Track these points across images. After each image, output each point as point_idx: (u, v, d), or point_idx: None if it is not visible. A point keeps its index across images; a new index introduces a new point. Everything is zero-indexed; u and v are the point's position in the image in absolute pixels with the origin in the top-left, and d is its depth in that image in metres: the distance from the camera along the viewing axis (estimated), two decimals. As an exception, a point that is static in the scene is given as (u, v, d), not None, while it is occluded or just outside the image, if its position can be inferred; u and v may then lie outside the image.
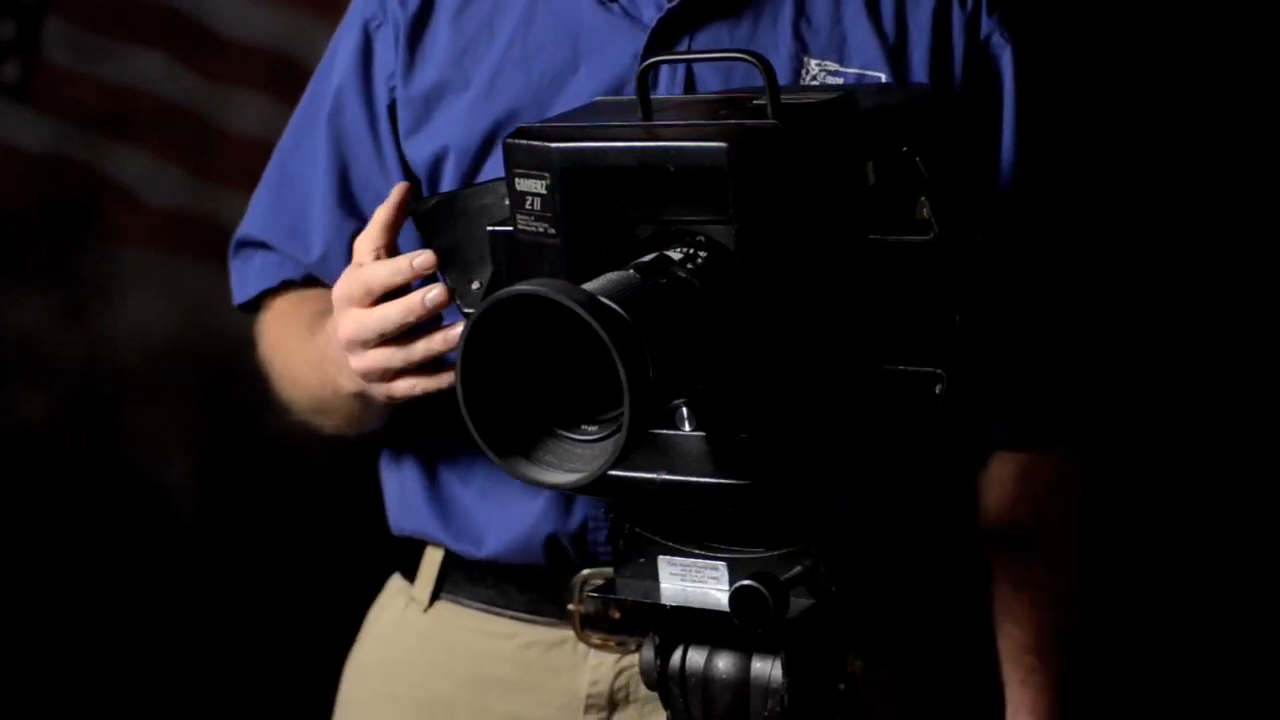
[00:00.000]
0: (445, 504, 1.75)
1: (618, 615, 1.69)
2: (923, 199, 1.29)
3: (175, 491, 3.05)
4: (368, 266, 1.54)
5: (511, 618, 1.75)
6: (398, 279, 1.51)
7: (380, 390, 1.57)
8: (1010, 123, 1.67)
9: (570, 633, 1.72)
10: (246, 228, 1.82)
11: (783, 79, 1.60)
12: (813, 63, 1.64)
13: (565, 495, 1.64)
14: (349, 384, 1.61)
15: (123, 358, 2.99)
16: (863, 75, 1.63)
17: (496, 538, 1.72)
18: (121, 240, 3.00)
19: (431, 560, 1.79)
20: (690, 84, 1.63)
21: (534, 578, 1.72)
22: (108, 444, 3.00)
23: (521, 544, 1.70)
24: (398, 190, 1.58)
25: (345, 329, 1.55)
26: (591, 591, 1.68)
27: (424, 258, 1.50)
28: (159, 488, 3.03)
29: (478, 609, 1.76)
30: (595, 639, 1.71)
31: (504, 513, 1.71)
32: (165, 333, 3.00)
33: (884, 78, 1.64)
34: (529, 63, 1.67)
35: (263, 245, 1.80)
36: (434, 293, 1.49)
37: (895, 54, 1.64)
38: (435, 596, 1.79)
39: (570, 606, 1.71)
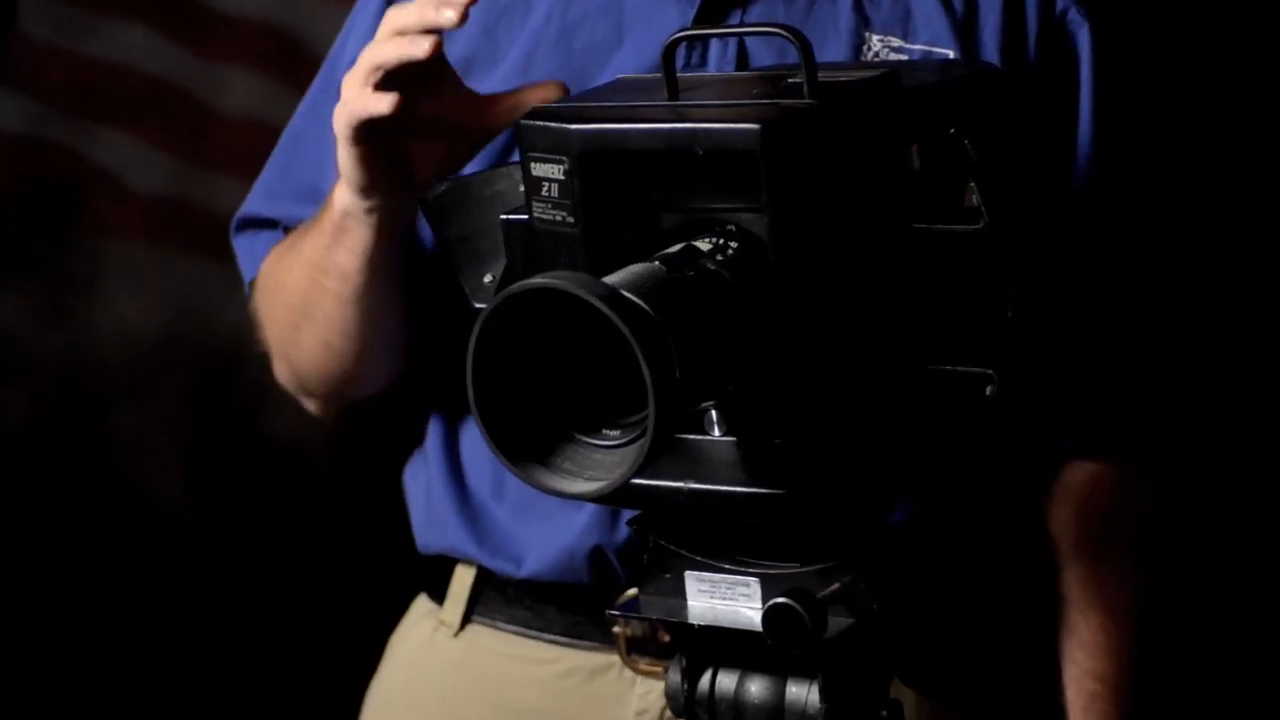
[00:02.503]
0: (478, 518, 1.75)
1: (668, 638, 1.66)
2: (971, 185, 1.29)
3: (166, 500, 3.04)
4: (375, 43, 1.52)
5: (550, 642, 1.74)
6: (410, 51, 1.48)
7: (348, 97, 1.52)
8: (1087, 105, 1.66)
9: (615, 658, 1.71)
10: (251, 205, 1.82)
11: (842, 56, 1.63)
12: (875, 38, 1.64)
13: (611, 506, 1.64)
14: (342, 193, 1.59)
15: (108, 356, 2.99)
16: (929, 52, 1.63)
17: (538, 555, 1.71)
18: (106, 230, 3.00)
19: (462, 580, 1.78)
20: (743, 62, 1.63)
21: (576, 598, 1.71)
22: (93, 448, 3.00)
23: (564, 561, 1.69)
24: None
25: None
26: (613, 610, 1.67)
27: (429, 42, 1.47)
28: (149, 496, 3.03)
29: (513, 632, 1.76)
30: (643, 665, 1.70)
31: (544, 528, 1.70)
32: (154, 329, 3.00)
33: (952, 55, 1.64)
34: (568, 37, 1.67)
35: (269, 224, 1.81)
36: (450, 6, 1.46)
37: (964, 29, 1.63)
38: (466, 619, 1.78)
39: (615, 629, 1.70)
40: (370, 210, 1.59)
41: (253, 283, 1.81)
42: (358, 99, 1.52)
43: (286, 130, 1.82)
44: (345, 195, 1.59)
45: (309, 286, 1.69)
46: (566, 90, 1.54)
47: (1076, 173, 1.66)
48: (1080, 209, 1.65)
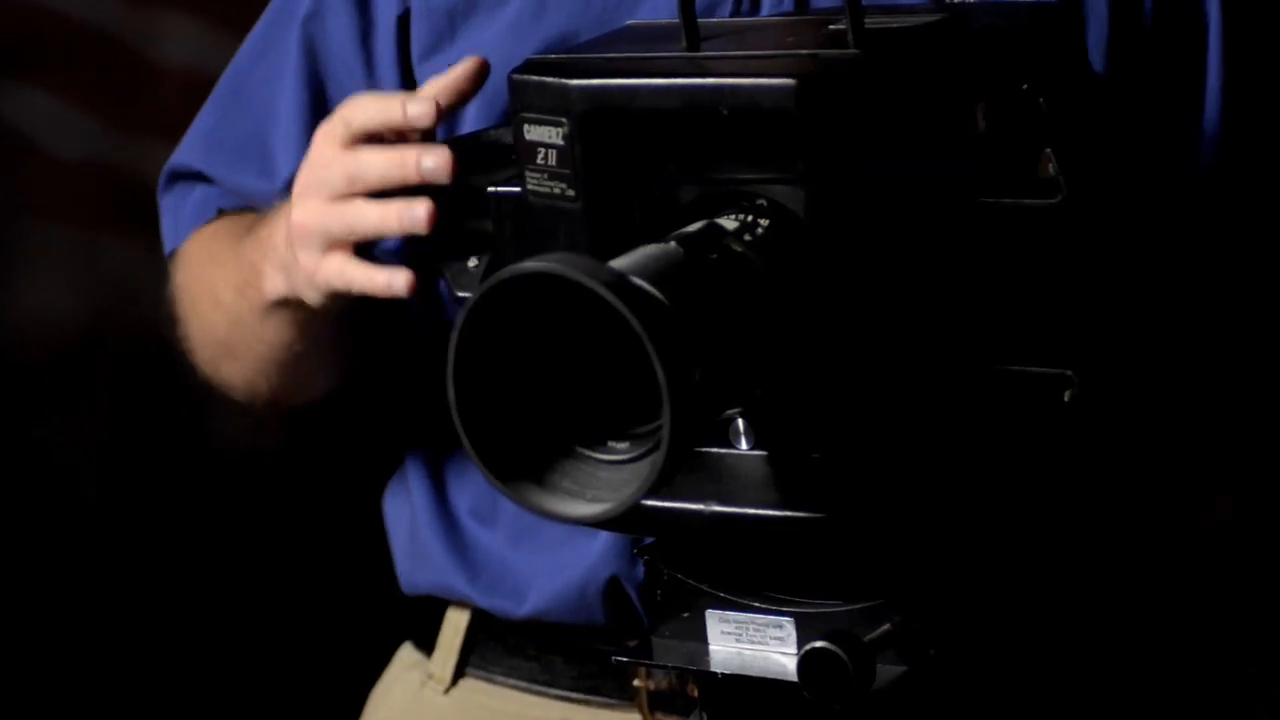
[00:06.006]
0: (468, 549, 1.75)
1: (697, 692, 1.63)
2: (1048, 151, 1.28)
3: (95, 514, 3.04)
4: (351, 100, 1.53)
5: (558, 698, 1.74)
6: (384, 116, 1.50)
7: (307, 263, 1.55)
8: (1216, 66, 1.65)
9: (635, 716, 1.71)
10: (182, 155, 1.83)
11: None
12: None
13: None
14: (278, 282, 1.60)
15: (27, 351, 2.99)
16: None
17: (541, 590, 1.71)
18: (23, 206, 3.00)
19: (454, 625, 1.78)
20: (802, 7, 1.63)
21: (587, 644, 1.71)
22: (9, 456, 2.99)
23: (574, 596, 1.69)
24: (469, 64, 1.54)
25: (306, 172, 1.54)
26: (620, 656, 1.64)
27: (422, 105, 1.49)
28: (74, 510, 3.03)
29: (514, 687, 1.76)
30: None
31: (548, 558, 1.70)
32: (79, 321, 3.00)
33: None
34: None
35: (202, 177, 1.81)
36: (433, 156, 1.47)
37: None
38: (460, 672, 1.78)
39: (636, 682, 1.70)
40: (318, 302, 1.60)
41: (172, 256, 1.81)
42: (312, 258, 1.54)
43: (229, 68, 1.82)
44: (283, 286, 1.60)
45: (223, 330, 1.72)
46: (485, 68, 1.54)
47: (1197, 143, 1.66)
48: (1196, 183, 1.65)
